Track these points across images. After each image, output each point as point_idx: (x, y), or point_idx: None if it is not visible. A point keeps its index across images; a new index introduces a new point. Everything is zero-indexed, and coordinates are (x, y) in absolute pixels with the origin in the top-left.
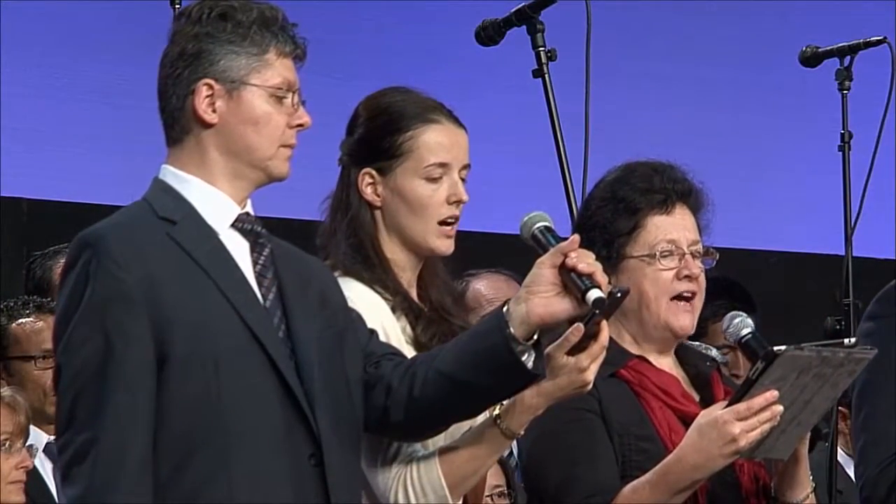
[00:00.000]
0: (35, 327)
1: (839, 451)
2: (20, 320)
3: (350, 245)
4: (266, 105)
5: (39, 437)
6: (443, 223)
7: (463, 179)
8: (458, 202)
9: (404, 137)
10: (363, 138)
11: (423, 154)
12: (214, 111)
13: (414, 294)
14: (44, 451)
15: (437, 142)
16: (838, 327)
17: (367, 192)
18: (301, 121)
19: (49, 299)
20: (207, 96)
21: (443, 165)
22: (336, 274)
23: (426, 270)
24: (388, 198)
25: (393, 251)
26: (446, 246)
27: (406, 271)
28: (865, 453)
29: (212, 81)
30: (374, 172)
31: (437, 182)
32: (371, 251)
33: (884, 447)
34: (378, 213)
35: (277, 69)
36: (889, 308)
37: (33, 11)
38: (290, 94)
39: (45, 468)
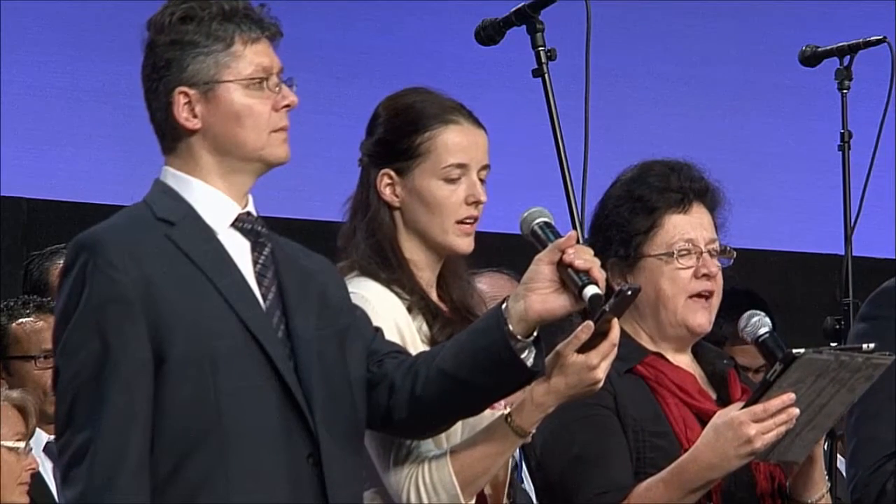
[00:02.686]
0: (35, 327)
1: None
2: (20, 320)
3: (369, 245)
4: (244, 98)
5: (39, 436)
6: (461, 222)
7: (482, 180)
8: (477, 203)
9: (423, 138)
10: (382, 139)
11: (441, 154)
12: (196, 116)
13: (434, 294)
14: (44, 450)
15: (455, 142)
16: (838, 327)
17: (386, 192)
18: (286, 101)
19: (49, 299)
20: (185, 104)
21: (461, 166)
22: (353, 274)
23: (447, 270)
24: (406, 198)
25: (412, 251)
26: (466, 244)
27: (425, 271)
28: (857, 455)
29: (186, 89)
30: (392, 173)
31: (456, 183)
32: (390, 252)
33: (875, 449)
34: (397, 214)
35: (248, 58)
36: (882, 309)
37: (33, 11)
38: (268, 78)
39: (46, 468)
